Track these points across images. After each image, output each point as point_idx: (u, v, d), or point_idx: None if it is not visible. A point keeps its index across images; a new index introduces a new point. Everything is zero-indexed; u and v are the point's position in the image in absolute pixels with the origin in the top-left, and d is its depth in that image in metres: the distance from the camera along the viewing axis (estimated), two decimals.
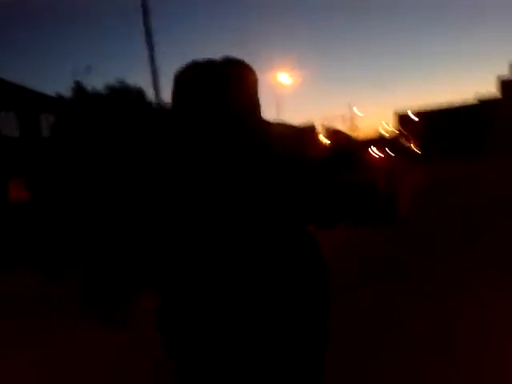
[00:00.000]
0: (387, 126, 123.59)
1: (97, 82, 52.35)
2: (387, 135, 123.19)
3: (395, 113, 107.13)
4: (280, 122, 2.10)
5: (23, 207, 20.29)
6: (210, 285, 1.69)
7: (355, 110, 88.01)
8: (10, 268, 12.60)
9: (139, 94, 21.62)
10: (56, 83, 75.69)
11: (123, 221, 1.87)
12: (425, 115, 79.51)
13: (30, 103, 24.16)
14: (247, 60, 1.81)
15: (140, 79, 46.92)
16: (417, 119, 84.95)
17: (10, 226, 18.26)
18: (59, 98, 23.94)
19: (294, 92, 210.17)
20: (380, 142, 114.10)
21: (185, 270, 1.73)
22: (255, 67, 1.83)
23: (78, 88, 26.64)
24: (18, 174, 21.59)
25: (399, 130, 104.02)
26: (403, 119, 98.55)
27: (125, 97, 21.02)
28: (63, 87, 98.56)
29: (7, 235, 17.02)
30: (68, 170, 18.87)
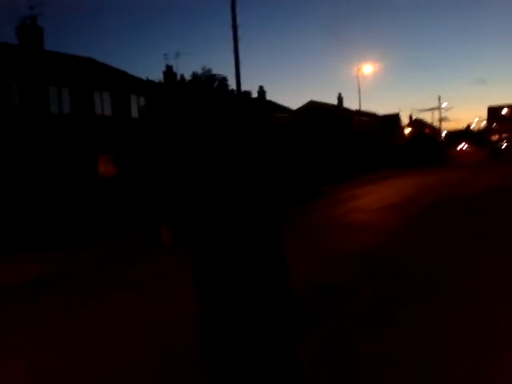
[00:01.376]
0: (478, 120, 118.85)
1: (185, 69, 54.03)
2: (475, 128, 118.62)
3: (488, 107, 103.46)
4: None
5: (110, 180, 21.67)
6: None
7: (444, 103, 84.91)
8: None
9: (221, 82, 22.34)
10: (146, 67, 78.39)
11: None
12: None
13: (123, 85, 25.52)
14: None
15: (225, 68, 47.85)
16: (508, 113, 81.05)
17: (99, 196, 19.59)
18: (149, 82, 25.13)
19: (381, 82, 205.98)
20: (467, 135, 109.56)
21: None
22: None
23: (169, 73, 27.82)
24: (108, 151, 23.00)
25: (489, 124, 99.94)
26: (494, 113, 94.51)
27: (208, 85, 21.77)
28: (152, 71, 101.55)
29: (96, 205, 18.29)
30: (152, 151, 19.94)
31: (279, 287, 2.68)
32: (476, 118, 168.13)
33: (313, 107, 49.62)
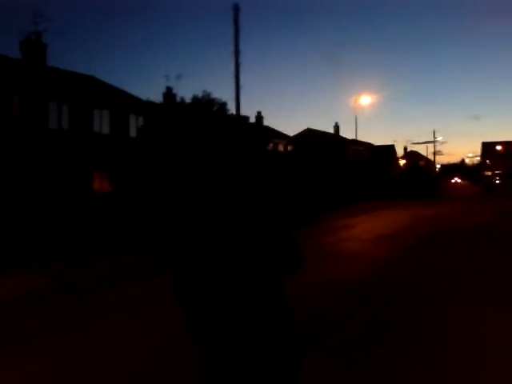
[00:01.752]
0: (471, 155, 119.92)
1: (185, 91, 54.48)
2: (469, 163, 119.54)
3: (482, 142, 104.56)
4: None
5: (105, 198, 21.76)
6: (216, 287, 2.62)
7: (439, 137, 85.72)
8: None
9: (221, 107, 22.56)
10: (146, 87, 79.02)
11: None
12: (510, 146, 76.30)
13: (122, 104, 25.74)
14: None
15: (223, 92, 48.32)
16: (502, 149, 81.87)
17: (93, 212, 19.68)
18: (149, 102, 25.33)
19: (378, 113, 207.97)
20: (462, 168, 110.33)
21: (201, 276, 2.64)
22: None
23: (169, 94, 28.05)
24: (104, 168, 23.09)
25: (483, 159, 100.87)
26: (488, 149, 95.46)
27: (207, 108, 21.99)
28: (152, 91, 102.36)
29: (90, 221, 18.35)
30: (149, 170, 20.05)
31: (280, 307, 2.70)
32: (470, 154, 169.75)
33: (309, 134, 50.05)
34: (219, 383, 2.67)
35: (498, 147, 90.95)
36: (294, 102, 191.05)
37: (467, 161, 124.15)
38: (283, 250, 2.68)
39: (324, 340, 5.85)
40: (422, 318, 6.68)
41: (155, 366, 5.19)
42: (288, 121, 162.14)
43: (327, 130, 56.31)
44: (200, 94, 22.34)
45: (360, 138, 53.07)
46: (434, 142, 74.48)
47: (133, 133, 25.23)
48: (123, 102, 25.96)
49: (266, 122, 46.16)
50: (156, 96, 60.14)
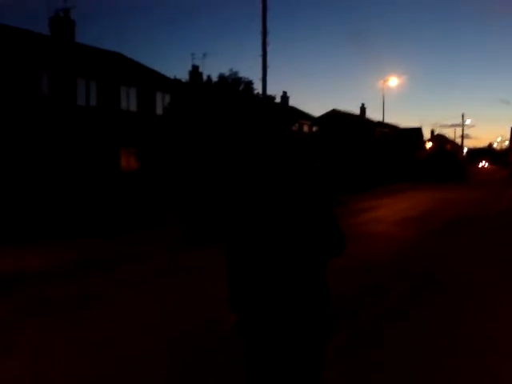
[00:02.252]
0: (500, 139, 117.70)
1: (211, 70, 54.34)
2: (497, 148, 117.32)
3: (511, 127, 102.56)
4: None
5: (132, 175, 21.97)
6: (259, 263, 2.69)
7: (468, 120, 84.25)
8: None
9: (247, 86, 22.45)
10: (172, 65, 79.06)
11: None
12: None
13: (149, 81, 25.77)
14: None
15: (250, 71, 48.00)
16: None
17: (121, 189, 19.92)
18: (175, 80, 25.33)
19: (405, 95, 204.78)
20: (489, 153, 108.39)
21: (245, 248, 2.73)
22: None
23: (195, 72, 28.04)
24: (131, 145, 23.26)
25: (511, 144, 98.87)
26: None
27: (234, 87, 21.91)
28: (179, 70, 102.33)
29: (117, 197, 18.59)
30: (174, 148, 20.15)
31: (320, 285, 2.77)
32: (499, 138, 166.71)
33: (335, 115, 49.57)
34: (257, 351, 2.72)
35: None
36: (321, 83, 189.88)
37: (495, 145, 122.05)
38: (326, 230, 2.71)
39: (351, 318, 5.89)
40: (449, 300, 6.67)
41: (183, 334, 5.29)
42: (314, 101, 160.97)
43: (353, 111, 55.79)
44: (227, 73, 22.29)
45: (386, 120, 52.49)
46: (462, 125, 73.28)
47: (159, 110, 25.30)
48: (150, 80, 26.00)
49: (291, 102, 45.88)
50: (182, 74, 60.16)
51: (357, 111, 56.98)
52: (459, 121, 74.38)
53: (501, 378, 4.30)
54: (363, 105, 57.27)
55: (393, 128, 57.86)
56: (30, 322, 5.83)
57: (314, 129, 44.71)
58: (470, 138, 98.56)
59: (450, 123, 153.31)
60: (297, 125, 39.21)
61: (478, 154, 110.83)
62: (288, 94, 44.91)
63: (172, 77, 25.92)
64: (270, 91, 21.41)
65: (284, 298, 2.66)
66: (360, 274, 8.17)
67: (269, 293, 2.67)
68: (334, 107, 54.08)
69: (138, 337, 5.33)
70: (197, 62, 29.62)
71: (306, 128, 44.06)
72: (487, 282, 7.60)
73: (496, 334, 5.36)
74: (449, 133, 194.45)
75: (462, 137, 75.52)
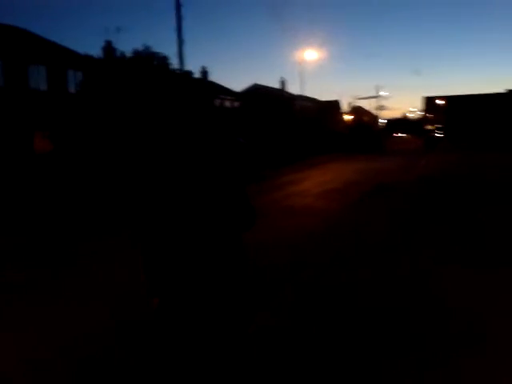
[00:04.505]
0: (414, 109, 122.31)
1: (127, 45, 52.65)
2: (412, 117, 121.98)
3: (423, 97, 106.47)
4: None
5: (46, 157, 20.90)
6: (177, 238, 2.68)
7: (382, 92, 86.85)
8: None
9: (162, 61, 21.86)
10: (84, 41, 75.97)
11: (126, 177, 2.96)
12: (451, 100, 77.86)
13: (60, 59, 24.54)
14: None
15: (166, 47, 46.96)
16: (443, 103, 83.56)
17: (35, 172, 18.87)
18: (88, 57, 24.25)
19: (323, 68, 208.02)
20: (404, 123, 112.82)
21: (163, 223, 2.69)
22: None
23: (108, 48, 26.94)
24: (44, 127, 22.12)
25: (425, 114, 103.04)
26: (430, 103, 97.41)
27: (148, 63, 21.27)
28: (91, 46, 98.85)
29: (30, 180, 17.61)
30: (89, 127, 19.34)
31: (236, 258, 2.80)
32: (412, 108, 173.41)
33: (256, 90, 49.56)
34: (169, 329, 2.72)
35: (440, 101, 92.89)
36: (241, 57, 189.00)
37: (410, 115, 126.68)
38: (238, 205, 2.75)
39: (277, 292, 5.78)
40: (373, 265, 6.71)
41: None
42: (235, 76, 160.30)
43: (274, 86, 55.91)
44: (141, 49, 21.57)
45: (307, 94, 53.00)
46: (377, 97, 75.38)
47: (72, 89, 24.19)
48: (60, 57, 24.75)
49: (212, 78, 45.33)
50: (95, 51, 58.02)
51: (278, 85, 57.23)
52: (375, 93, 76.62)
53: None
54: (282, 79, 57.57)
55: (312, 101, 58.65)
56: None
57: (236, 104, 44.53)
58: (387, 109, 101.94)
59: (367, 95, 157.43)
60: (218, 100, 38.83)
61: (394, 124, 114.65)
62: (208, 70, 44.30)
63: (84, 53, 24.81)
64: (189, 67, 20.96)
65: (202, 272, 2.66)
66: (283, 248, 8.09)
67: (186, 268, 2.67)
68: (255, 82, 54.12)
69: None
70: (110, 38, 28.48)
71: (228, 103, 43.77)
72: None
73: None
74: (365, 105, 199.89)
75: (378, 108, 77.91)
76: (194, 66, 62.00)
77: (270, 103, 39.36)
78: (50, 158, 20.61)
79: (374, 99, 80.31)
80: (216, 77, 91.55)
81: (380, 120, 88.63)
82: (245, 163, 20.78)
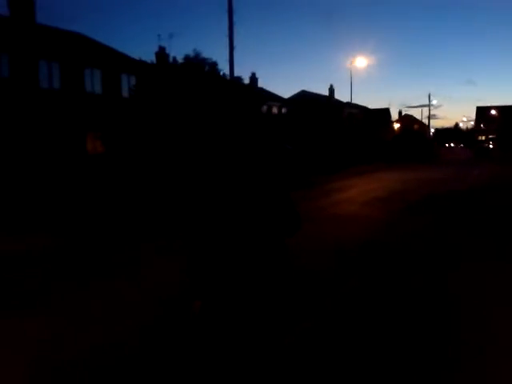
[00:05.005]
0: (465, 119, 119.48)
1: (178, 50, 53.53)
2: (463, 128, 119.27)
3: (476, 107, 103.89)
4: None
5: (98, 158, 21.49)
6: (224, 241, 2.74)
7: (434, 100, 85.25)
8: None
9: (213, 67, 22.17)
10: (138, 46, 77.73)
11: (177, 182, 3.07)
12: (505, 110, 75.61)
13: (114, 63, 25.21)
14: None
15: (218, 51, 47.41)
16: (496, 113, 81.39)
17: (86, 173, 19.44)
18: (141, 62, 24.83)
19: (373, 75, 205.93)
20: (455, 132, 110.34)
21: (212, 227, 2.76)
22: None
23: (161, 54, 27.54)
24: (97, 129, 22.76)
25: (477, 124, 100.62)
26: (483, 113, 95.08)
27: (198, 69, 21.60)
28: (144, 51, 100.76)
29: (81, 181, 18.14)
30: (141, 131, 19.78)
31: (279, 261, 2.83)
32: (464, 118, 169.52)
33: (304, 97, 49.50)
34: (211, 332, 2.78)
35: (493, 112, 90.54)
36: (290, 64, 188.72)
37: (461, 125, 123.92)
38: (283, 211, 2.79)
39: (320, 297, 5.80)
40: (421, 281, 6.64)
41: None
42: (283, 82, 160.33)
43: (322, 93, 55.77)
44: (192, 54, 21.94)
45: (355, 101, 52.65)
46: (428, 105, 74.06)
47: (125, 93, 24.80)
48: (115, 61, 25.43)
49: (260, 84, 45.60)
50: (149, 56, 59.29)
51: (326, 92, 57.07)
52: (426, 101, 75.30)
53: None
54: (331, 86, 57.43)
55: (361, 109, 58.15)
56: None
57: (284, 110, 44.60)
58: (437, 118, 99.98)
59: (417, 103, 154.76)
60: (266, 107, 39.01)
61: (445, 134, 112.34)
62: (257, 76, 44.61)
63: (137, 58, 25.41)
64: (238, 72, 21.24)
65: (245, 276, 2.71)
66: (331, 253, 8.10)
67: (231, 271, 2.72)
68: (303, 88, 54.30)
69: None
70: (163, 43, 29.09)
71: (275, 110, 43.90)
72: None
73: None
74: (416, 113, 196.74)
75: (429, 117, 76.45)
76: (243, 71, 62.56)
77: (318, 110, 39.20)
78: (102, 159, 21.26)
79: (425, 108, 78.93)
80: (265, 82, 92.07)
81: (431, 129, 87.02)
82: (291, 169, 20.83)
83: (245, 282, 2.71)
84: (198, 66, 21.57)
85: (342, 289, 6.29)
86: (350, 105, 46.75)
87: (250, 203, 2.70)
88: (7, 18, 22.91)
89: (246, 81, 35.34)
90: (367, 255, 8.11)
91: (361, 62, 43.35)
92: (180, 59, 22.47)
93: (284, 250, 2.85)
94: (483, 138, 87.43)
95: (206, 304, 2.78)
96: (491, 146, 62.43)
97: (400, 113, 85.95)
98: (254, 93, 32.49)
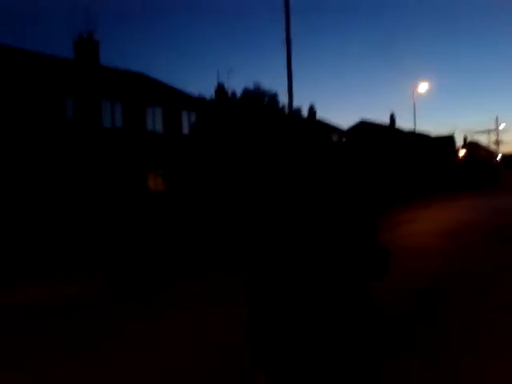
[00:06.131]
0: None
1: (238, 83, 54.36)
2: None
3: None
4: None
5: (160, 196, 21.59)
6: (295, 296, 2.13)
7: (502, 124, 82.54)
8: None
9: (272, 99, 22.09)
10: (198, 83, 79.60)
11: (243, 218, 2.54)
12: None
13: (174, 101, 25.53)
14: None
15: (277, 81, 47.75)
16: None
17: (148, 211, 19.53)
18: (200, 98, 25.06)
19: (434, 101, 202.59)
20: None
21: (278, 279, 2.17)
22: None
23: (220, 89, 27.79)
24: (157, 167, 22.95)
25: None
26: None
27: (258, 102, 21.55)
28: (204, 86, 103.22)
29: (144, 219, 18.20)
30: (203, 168, 19.76)
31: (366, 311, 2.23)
32: None
33: (363, 127, 48.78)
34: None
35: None
36: (348, 93, 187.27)
37: None
38: (371, 254, 2.21)
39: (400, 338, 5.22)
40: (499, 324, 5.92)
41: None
42: (342, 110, 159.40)
43: (383, 120, 54.83)
44: (251, 87, 21.95)
45: (417, 127, 51.43)
46: (496, 130, 71.51)
47: (185, 130, 25.00)
48: (175, 99, 25.76)
49: (319, 113, 45.35)
50: (209, 91, 60.51)
51: (386, 120, 56.05)
52: (492, 125, 72.68)
53: None
54: (393, 114, 56.16)
55: (424, 137, 56.73)
56: None
57: (343, 141, 44.01)
58: (505, 143, 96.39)
59: (482, 128, 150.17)
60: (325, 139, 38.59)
61: (510, 159, 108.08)
62: (315, 106, 44.31)
63: (197, 94, 25.69)
64: (296, 101, 20.97)
65: (327, 337, 2.09)
66: (407, 292, 7.47)
67: (306, 330, 2.09)
68: (362, 116, 53.56)
69: None
70: (222, 78, 29.39)
71: (334, 139, 43.38)
72: None
73: None
74: (482, 139, 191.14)
75: (497, 143, 73.65)
76: (300, 100, 62.59)
77: (379, 140, 38.45)
78: (163, 197, 21.36)
79: (492, 133, 76.40)
80: (323, 111, 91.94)
81: (499, 155, 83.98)
82: (365, 200, 20.09)
83: (324, 347, 2.09)
84: (257, 99, 21.52)
85: (423, 334, 5.66)
86: (412, 134, 45.61)
87: (328, 241, 2.13)
88: (72, 61, 23.70)
89: (305, 111, 35.15)
90: (444, 295, 7.41)
91: (423, 87, 42.21)
92: (239, 92, 22.53)
93: (371, 300, 2.23)
94: None
95: (272, 378, 2.17)
96: None
97: (465, 139, 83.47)
98: (312, 126, 32.27)
